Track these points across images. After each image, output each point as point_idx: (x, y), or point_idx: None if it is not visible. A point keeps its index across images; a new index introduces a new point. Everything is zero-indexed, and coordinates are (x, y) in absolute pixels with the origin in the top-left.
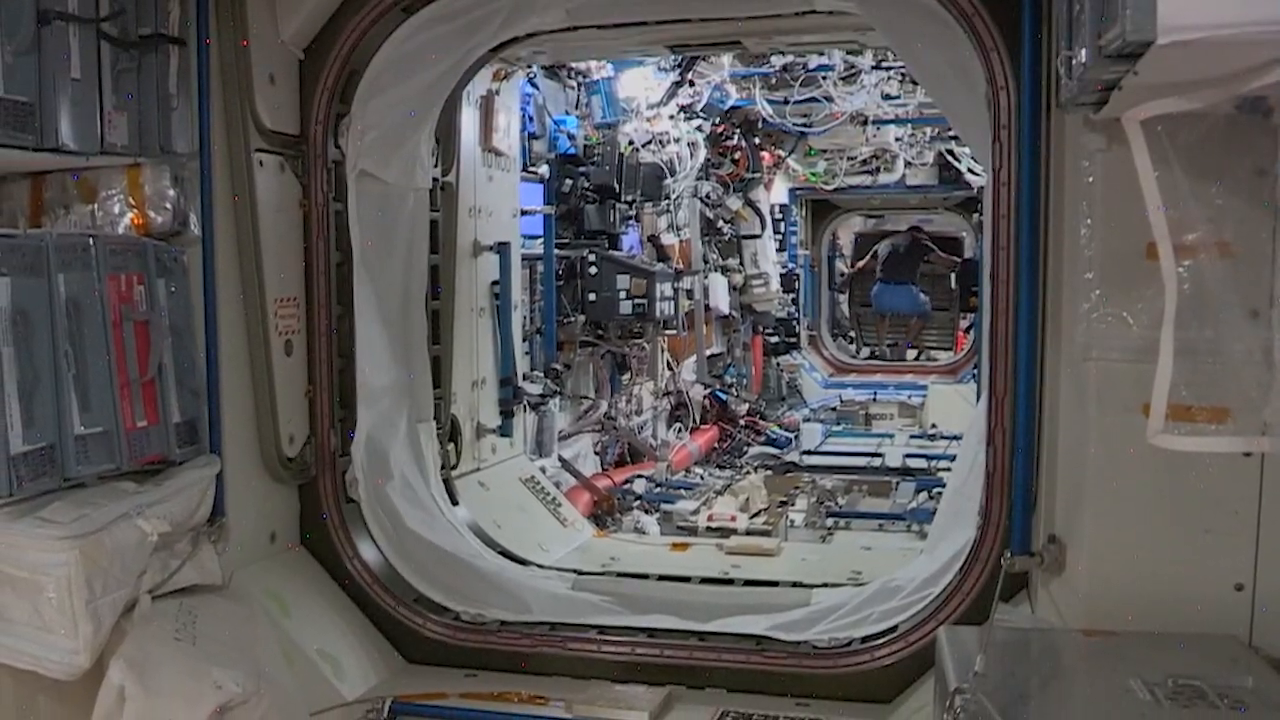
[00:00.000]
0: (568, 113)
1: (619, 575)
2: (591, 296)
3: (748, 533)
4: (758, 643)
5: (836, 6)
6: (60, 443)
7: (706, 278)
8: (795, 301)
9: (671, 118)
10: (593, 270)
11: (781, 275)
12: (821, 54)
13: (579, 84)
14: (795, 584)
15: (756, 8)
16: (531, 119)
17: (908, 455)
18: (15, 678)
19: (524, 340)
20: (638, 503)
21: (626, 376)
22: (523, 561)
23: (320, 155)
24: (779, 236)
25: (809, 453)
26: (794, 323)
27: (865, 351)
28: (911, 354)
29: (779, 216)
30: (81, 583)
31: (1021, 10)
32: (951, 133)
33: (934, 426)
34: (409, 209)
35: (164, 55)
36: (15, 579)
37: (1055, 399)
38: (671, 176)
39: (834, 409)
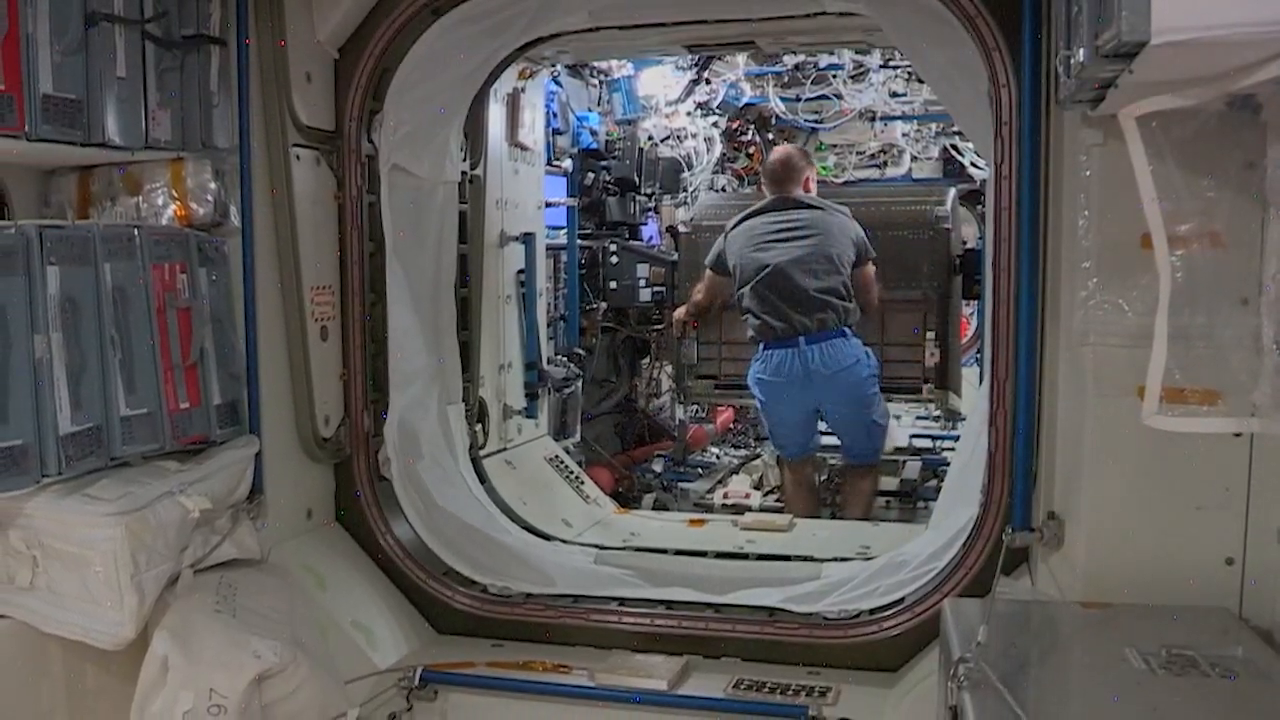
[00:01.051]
0: (590, 109)
1: (639, 550)
2: (612, 284)
3: (761, 510)
4: (770, 614)
5: (846, 8)
6: (107, 424)
7: None
8: None
9: (689, 114)
10: (614, 259)
11: None
12: (831, 53)
13: (601, 82)
14: (806, 558)
15: (769, 9)
16: (555, 115)
17: (913, 435)
18: (64, 647)
19: (548, 326)
20: (656, 480)
21: (646, 360)
22: (547, 537)
23: (354, 150)
24: None
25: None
26: None
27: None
28: None
29: None
30: (127, 557)
31: (1022, 12)
32: (956, 128)
33: (938, 408)
34: (439, 201)
35: (205, 55)
36: (64, 553)
37: (1054, 382)
38: (689, 170)
39: None
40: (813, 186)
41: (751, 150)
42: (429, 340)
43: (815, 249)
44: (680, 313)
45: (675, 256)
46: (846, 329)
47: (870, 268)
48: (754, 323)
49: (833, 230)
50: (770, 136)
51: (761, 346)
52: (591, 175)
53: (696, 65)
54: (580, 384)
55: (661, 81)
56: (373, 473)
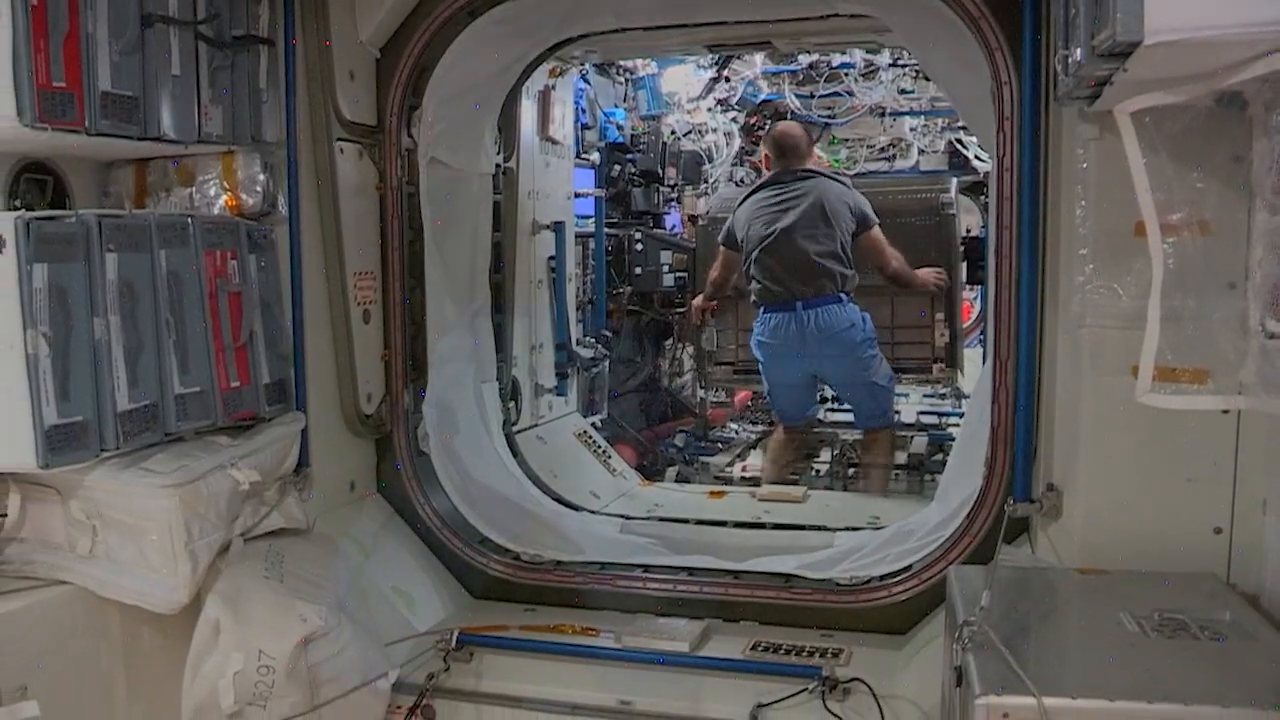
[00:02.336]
0: (616, 105)
1: (662, 520)
2: (637, 270)
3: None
4: (786, 580)
5: (857, 10)
6: (162, 401)
7: None
8: None
9: (709, 110)
10: (638, 246)
11: None
12: (844, 53)
13: (626, 80)
14: (820, 528)
15: (785, 11)
16: (584, 111)
17: (921, 412)
18: (122, 611)
19: (577, 309)
20: (679, 455)
21: (669, 341)
22: (576, 507)
23: (395, 144)
24: None
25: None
26: None
27: None
28: None
29: None
30: (181, 526)
31: (1023, 14)
32: (961, 123)
33: (945, 386)
34: (474, 192)
35: (255, 54)
36: (122, 523)
37: (1053, 362)
38: (710, 162)
39: None
40: (816, 160)
41: None
42: (465, 322)
43: (812, 211)
44: (698, 301)
45: (695, 243)
46: (844, 295)
47: (876, 232)
48: (755, 287)
49: (830, 195)
50: None
51: (761, 310)
52: (618, 167)
53: (716, 64)
54: (607, 364)
55: (684, 79)
56: (412, 447)
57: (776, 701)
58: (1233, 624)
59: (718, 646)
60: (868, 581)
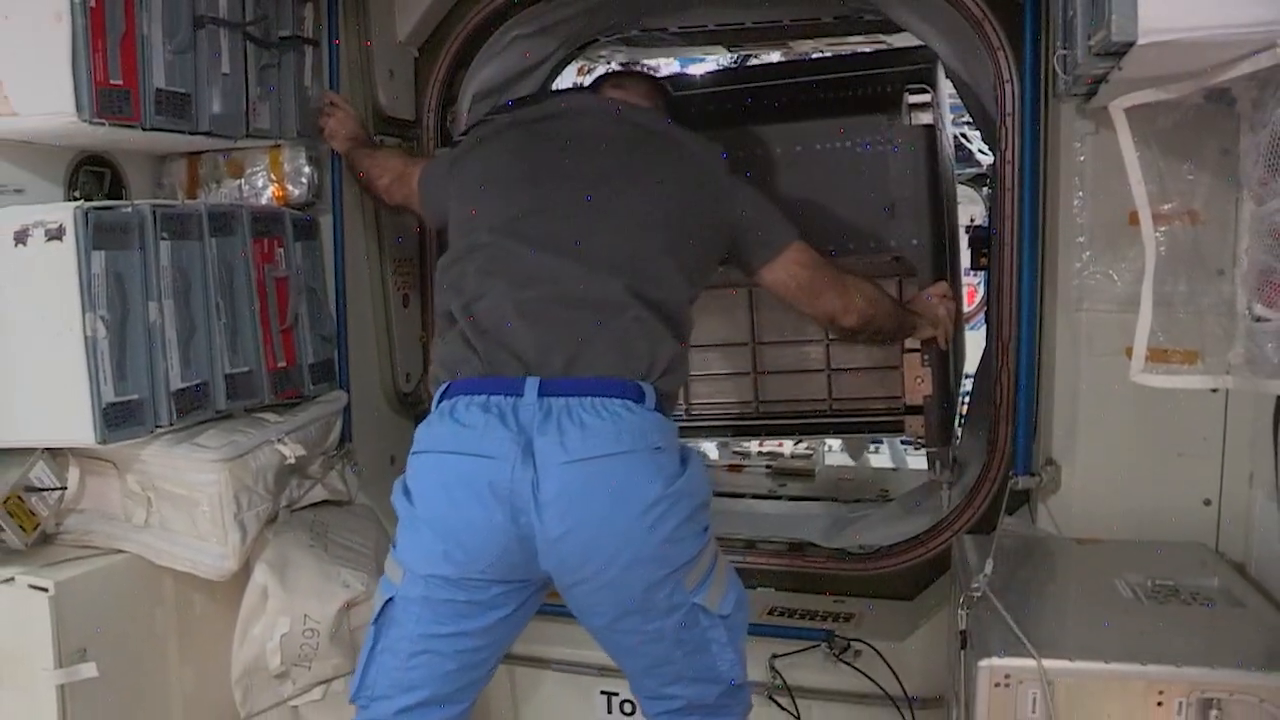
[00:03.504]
0: None
1: None
2: None
3: (792, 457)
4: (800, 549)
5: (868, 12)
6: (212, 380)
7: None
8: None
9: None
10: None
11: None
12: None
13: None
14: (832, 499)
15: (801, 13)
16: None
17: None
18: (176, 578)
19: None
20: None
21: None
22: None
23: (432, 138)
24: None
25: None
26: None
27: None
28: None
29: None
30: (230, 498)
31: (1023, 15)
32: (966, 119)
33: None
34: None
35: (300, 53)
36: (175, 495)
37: (1052, 343)
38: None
39: None
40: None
41: None
42: None
43: (637, 201)
44: None
45: None
46: (647, 389)
47: (796, 256)
48: (442, 348)
49: (685, 172)
50: None
51: (440, 394)
52: None
53: (736, 62)
54: None
55: None
56: None
57: (791, 654)
58: (1221, 590)
59: None
60: (877, 550)
